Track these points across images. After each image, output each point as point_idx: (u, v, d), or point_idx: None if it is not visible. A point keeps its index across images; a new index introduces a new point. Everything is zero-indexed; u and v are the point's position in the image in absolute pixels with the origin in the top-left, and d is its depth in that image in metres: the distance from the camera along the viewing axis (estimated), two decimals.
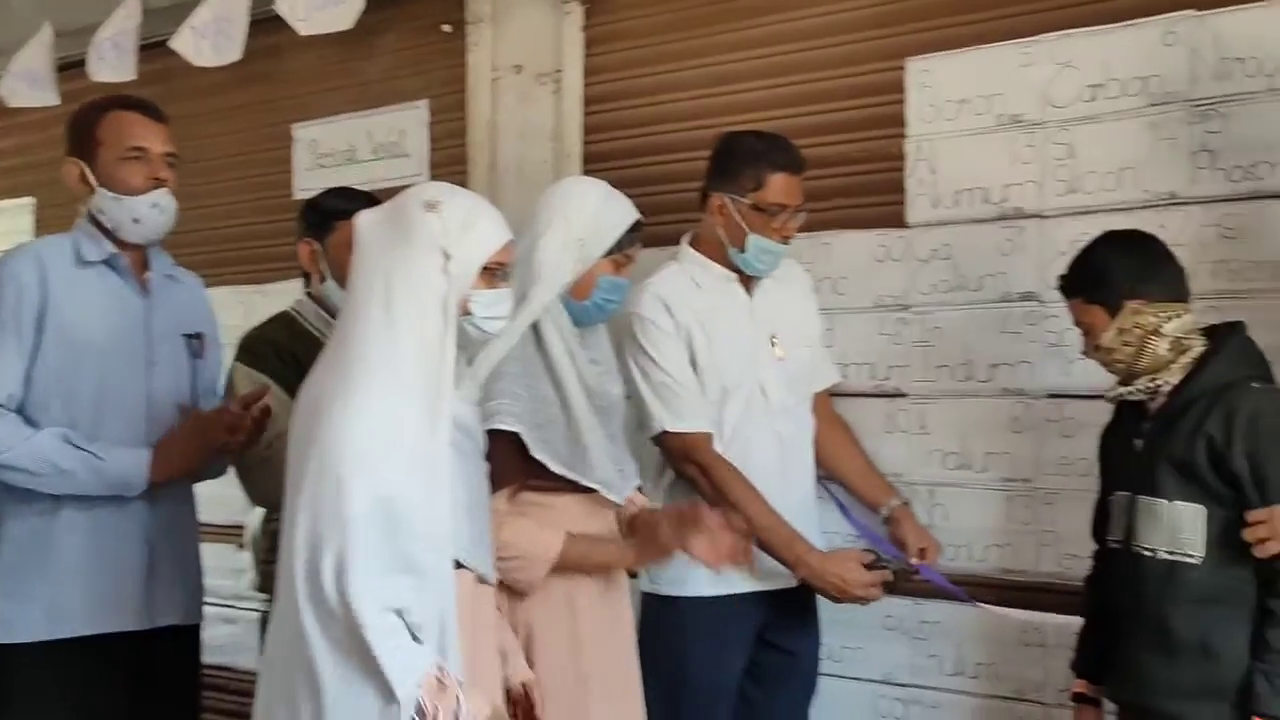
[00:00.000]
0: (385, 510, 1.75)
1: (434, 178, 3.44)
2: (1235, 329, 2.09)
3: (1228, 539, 1.97)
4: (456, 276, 1.86)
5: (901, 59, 2.82)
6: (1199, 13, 2.46)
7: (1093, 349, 2.13)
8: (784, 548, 2.50)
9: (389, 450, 1.76)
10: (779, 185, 2.53)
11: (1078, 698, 2.25)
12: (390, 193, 2.03)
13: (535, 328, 2.21)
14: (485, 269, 1.90)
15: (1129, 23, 2.54)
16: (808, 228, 2.67)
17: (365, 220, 1.91)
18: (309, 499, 1.76)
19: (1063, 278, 2.17)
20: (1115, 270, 2.07)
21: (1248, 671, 1.95)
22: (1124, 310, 2.06)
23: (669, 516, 2.26)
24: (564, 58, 3.32)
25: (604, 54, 3.30)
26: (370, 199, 2.45)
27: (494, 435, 2.10)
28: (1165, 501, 2.03)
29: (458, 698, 1.76)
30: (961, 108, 2.75)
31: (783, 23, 3.02)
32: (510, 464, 2.11)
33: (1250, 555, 1.94)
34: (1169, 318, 2.05)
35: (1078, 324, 2.15)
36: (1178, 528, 2.01)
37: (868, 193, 2.87)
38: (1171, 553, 2.02)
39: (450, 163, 3.53)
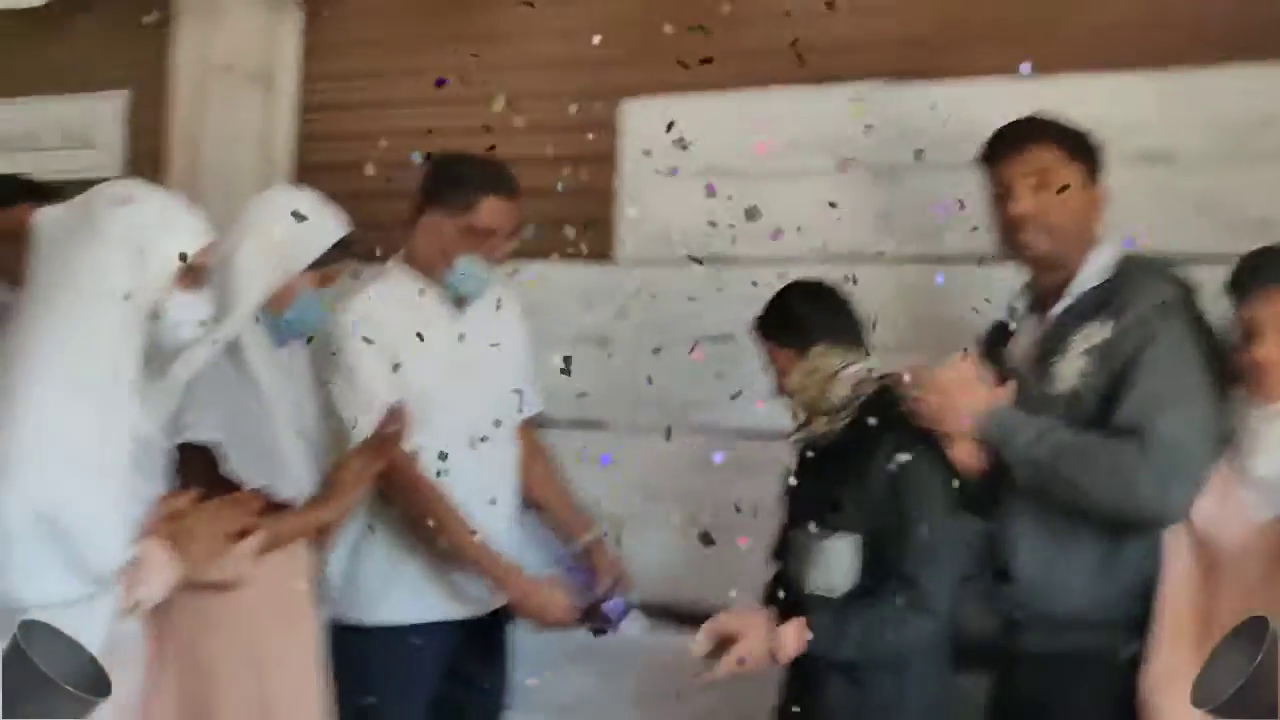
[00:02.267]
0: (50, 524, 1.62)
1: (128, 174, 3.25)
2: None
3: (873, 569, 2.08)
4: (151, 274, 1.76)
5: (618, 99, 2.90)
6: (887, 83, 2.66)
7: (782, 390, 2.24)
8: (493, 566, 2.48)
9: (50, 458, 1.64)
10: (491, 208, 2.53)
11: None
12: (75, 186, 1.91)
13: (234, 339, 2.12)
14: (182, 270, 1.81)
15: (822, 85, 2.71)
16: (518, 256, 2.68)
17: (46, 216, 1.79)
18: None
19: (758, 320, 2.28)
20: (805, 316, 2.19)
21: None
22: (810, 354, 2.18)
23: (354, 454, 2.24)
24: (278, 61, 3.22)
25: (326, 61, 3.22)
26: (29, 187, 2.28)
27: (189, 448, 1.98)
28: (822, 537, 2.13)
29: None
30: (670, 152, 2.84)
31: (508, 50, 3.05)
32: (205, 478, 1.98)
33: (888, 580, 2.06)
34: (848, 364, 2.18)
35: (770, 365, 2.26)
36: (831, 562, 2.12)
37: (578, 227, 2.91)
38: (824, 585, 2.12)
39: (146, 159, 3.34)
